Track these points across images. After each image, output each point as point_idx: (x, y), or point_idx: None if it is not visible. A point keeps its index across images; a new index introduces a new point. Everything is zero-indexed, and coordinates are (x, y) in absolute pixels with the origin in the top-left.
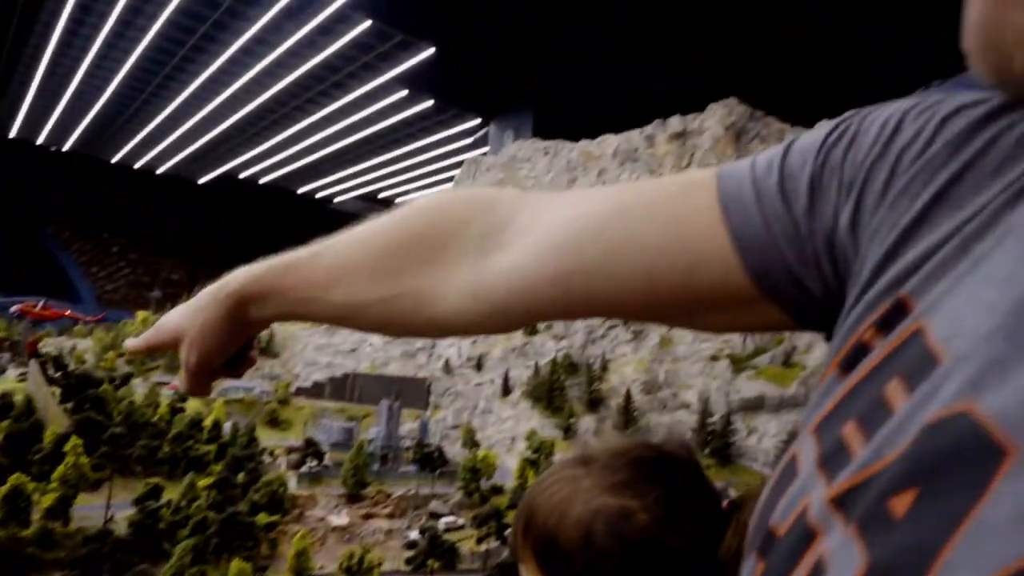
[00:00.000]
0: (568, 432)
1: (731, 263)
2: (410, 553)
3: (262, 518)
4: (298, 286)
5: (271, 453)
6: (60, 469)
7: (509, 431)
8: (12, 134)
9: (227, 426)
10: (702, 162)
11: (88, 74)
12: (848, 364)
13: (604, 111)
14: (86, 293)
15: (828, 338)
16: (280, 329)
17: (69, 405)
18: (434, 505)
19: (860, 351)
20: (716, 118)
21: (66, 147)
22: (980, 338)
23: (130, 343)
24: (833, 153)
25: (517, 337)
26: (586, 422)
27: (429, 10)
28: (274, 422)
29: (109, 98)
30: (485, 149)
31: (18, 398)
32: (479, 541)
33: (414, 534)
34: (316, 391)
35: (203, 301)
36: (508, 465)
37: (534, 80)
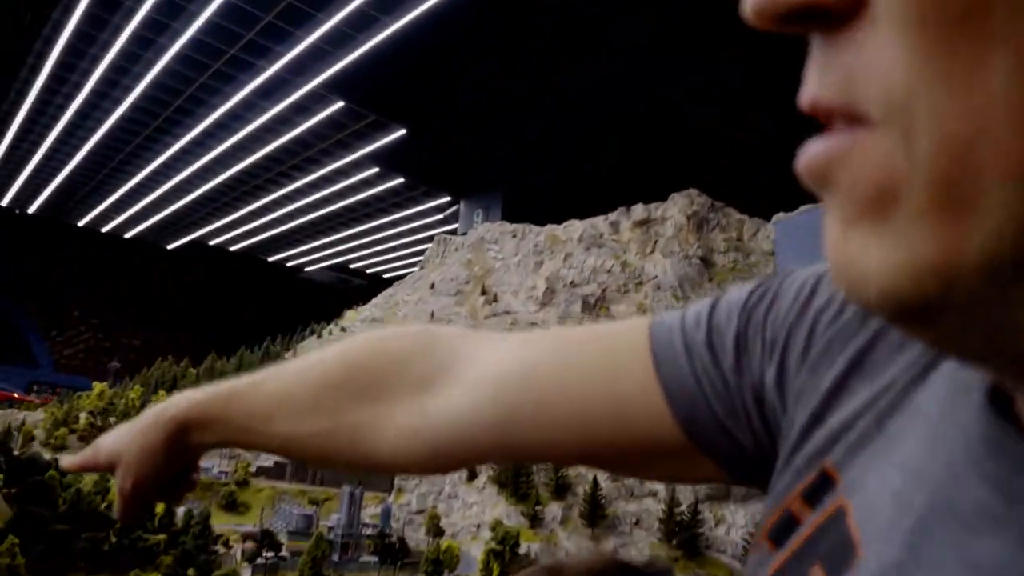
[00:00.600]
0: (535, 520)
1: (662, 414)
2: None
3: None
4: (240, 415)
5: (226, 543)
6: None
7: (475, 518)
8: None
9: (181, 511)
10: (665, 249)
11: (59, 140)
12: (778, 536)
13: (570, 197)
14: (43, 358)
15: (764, 491)
16: None
17: (13, 490)
18: None
19: (789, 523)
20: (678, 207)
21: (31, 209)
22: (886, 535)
23: (66, 462)
24: (756, 311)
25: None
26: (552, 510)
27: (401, 93)
28: (231, 505)
29: (79, 163)
30: (455, 226)
31: None
32: None
33: None
34: (278, 472)
35: (144, 424)
36: (473, 554)
37: (502, 164)
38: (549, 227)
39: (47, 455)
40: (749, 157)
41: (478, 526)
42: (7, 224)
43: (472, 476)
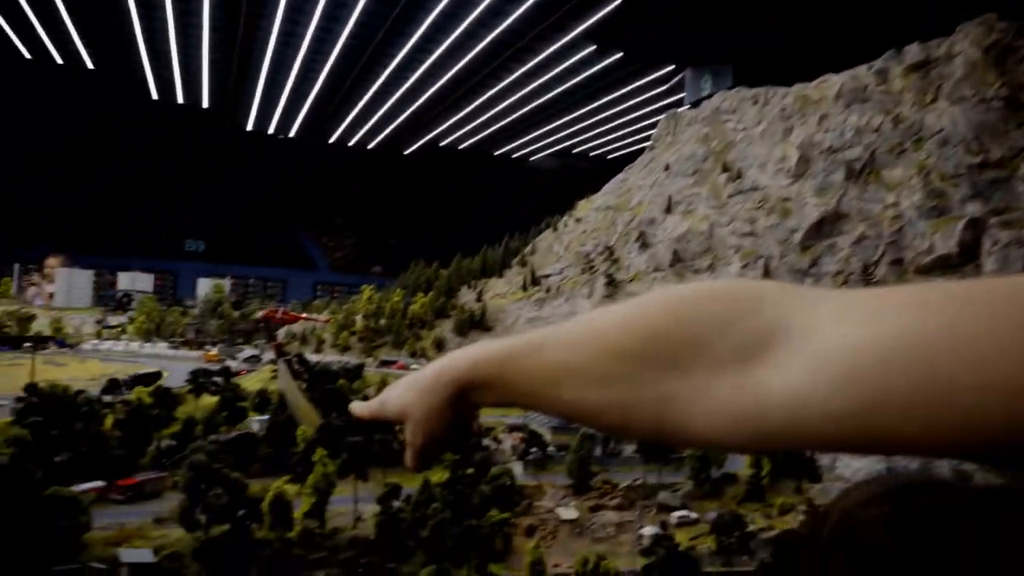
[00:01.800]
0: None
1: None
2: (646, 560)
3: (494, 515)
4: (521, 379)
5: (496, 438)
6: (311, 478)
7: None
8: (248, 127)
9: None
10: (952, 94)
11: (303, 67)
12: None
13: (819, 48)
14: (320, 262)
15: None
16: (491, 303)
17: (314, 396)
18: (663, 496)
19: None
20: (970, 39)
21: (291, 133)
22: None
23: (357, 408)
24: None
25: None
26: None
27: None
28: None
29: (323, 84)
30: (681, 96)
31: (263, 388)
32: (719, 552)
33: (648, 530)
34: None
35: (427, 384)
36: None
37: (734, 23)
38: (798, 86)
39: (335, 355)
40: None
41: None
42: (274, 149)
43: None
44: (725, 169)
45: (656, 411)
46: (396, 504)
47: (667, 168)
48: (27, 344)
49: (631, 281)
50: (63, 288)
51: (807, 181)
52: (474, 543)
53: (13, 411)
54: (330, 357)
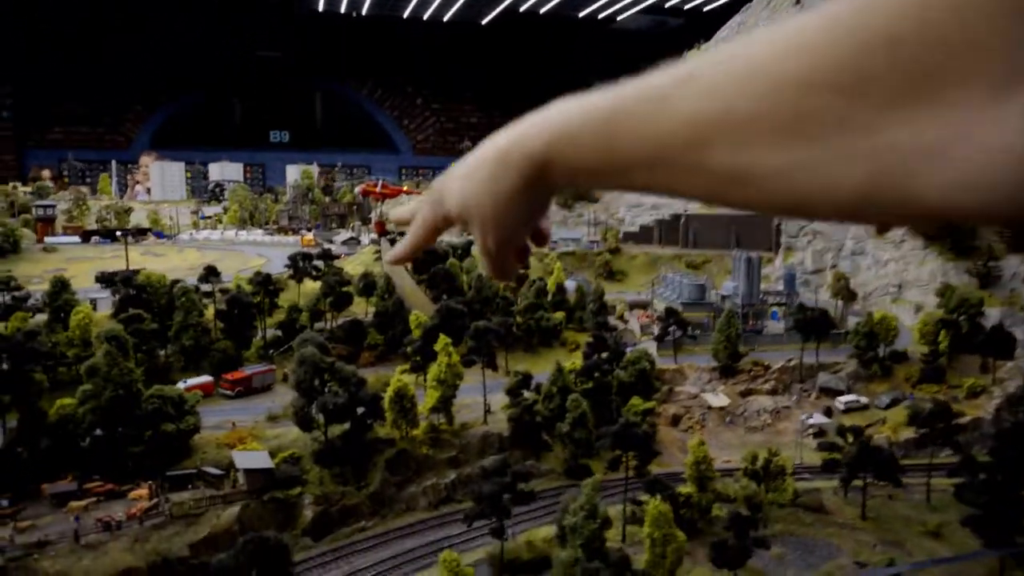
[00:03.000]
0: (986, 279)
1: None
2: (827, 455)
3: (636, 403)
4: (638, 147)
5: (622, 317)
6: (434, 370)
7: (892, 277)
8: (320, 7)
9: (568, 285)
10: None
11: None
12: None
13: None
14: (403, 145)
15: None
16: None
17: (422, 278)
18: (824, 379)
19: None
20: None
21: (364, 11)
22: None
23: (398, 212)
24: None
25: None
26: (1012, 265)
27: None
28: (608, 274)
29: None
30: None
31: (367, 271)
32: (922, 445)
33: (815, 418)
34: (644, 236)
35: (491, 168)
36: (900, 321)
37: None
38: None
39: None
40: None
41: (899, 286)
42: (349, 27)
43: (884, 228)
44: None
45: (873, 168)
46: (527, 395)
47: (798, 1)
48: (126, 236)
49: None
50: (158, 182)
51: None
52: (626, 440)
53: (113, 304)
54: None
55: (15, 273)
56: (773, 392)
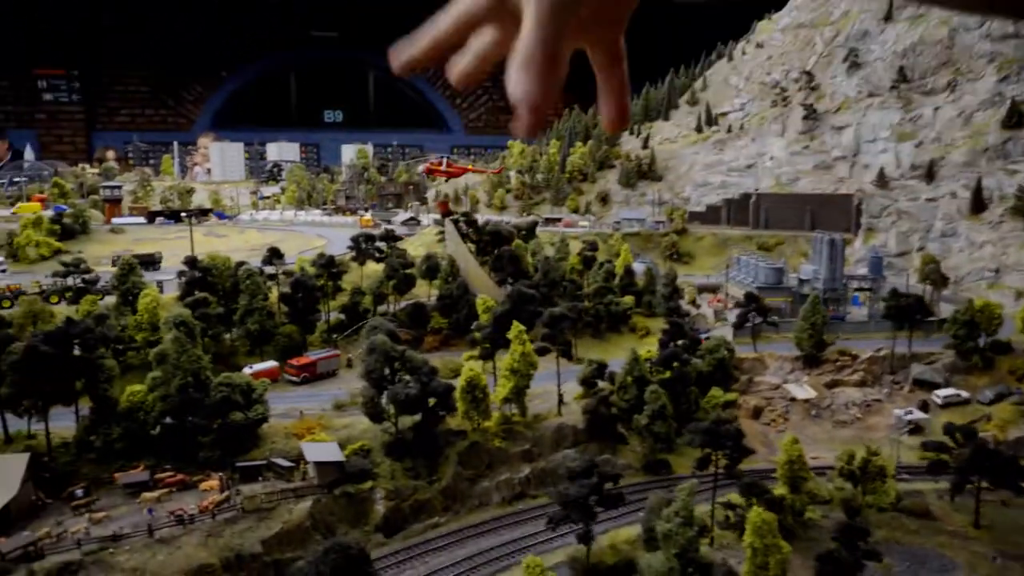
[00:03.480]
0: None
1: None
2: (932, 455)
3: (716, 394)
4: None
5: (693, 302)
6: (508, 360)
7: (989, 260)
8: None
9: (636, 268)
10: None
11: None
12: None
13: None
14: (455, 124)
15: None
16: (660, 148)
17: (486, 259)
18: (917, 370)
19: None
20: None
21: None
22: None
23: (404, 57)
24: None
25: (991, 133)
26: None
27: None
28: (674, 256)
29: None
30: None
31: (429, 252)
32: None
33: (911, 414)
34: (711, 216)
35: None
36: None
37: None
38: None
39: (492, 215)
40: None
41: (996, 270)
42: (401, 4)
43: (979, 207)
44: None
45: None
46: (601, 384)
47: None
48: (191, 217)
49: (837, 111)
50: (218, 162)
51: None
52: (717, 438)
53: (179, 286)
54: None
55: (85, 254)
56: (862, 384)
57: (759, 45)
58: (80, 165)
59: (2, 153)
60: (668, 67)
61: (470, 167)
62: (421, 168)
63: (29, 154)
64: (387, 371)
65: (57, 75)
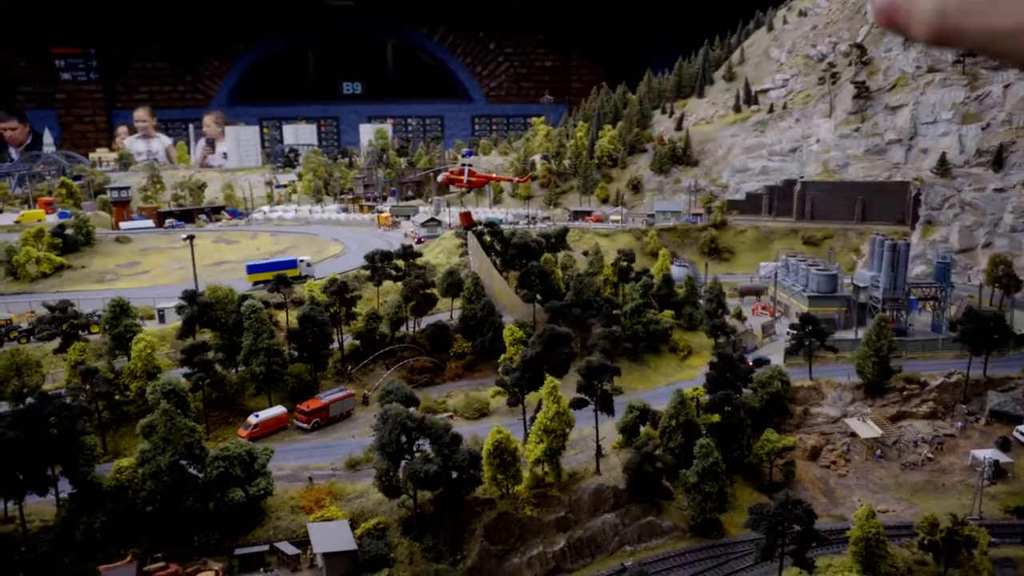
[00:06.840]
0: None
1: None
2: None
3: (771, 437)
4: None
5: (739, 315)
6: (540, 419)
7: None
8: None
9: (676, 274)
10: None
11: None
12: None
13: None
14: (475, 93)
15: None
16: (695, 130)
17: (511, 273)
18: (994, 400)
19: None
20: None
21: None
22: None
23: None
24: None
25: None
26: None
27: None
28: (713, 251)
29: None
30: None
31: (451, 268)
32: None
33: (988, 453)
34: (751, 205)
35: None
36: None
37: None
38: None
39: (516, 208)
40: None
41: None
42: None
43: None
44: None
45: None
46: (643, 431)
47: None
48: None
49: (892, 89)
50: (234, 148)
51: None
52: (783, 524)
53: (180, 318)
54: (501, 211)
55: (89, 268)
56: (931, 415)
57: (802, 13)
58: (98, 154)
59: (23, 136)
60: (702, 38)
61: (493, 175)
62: (440, 178)
63: (48, 139)
64: (404, 439)
65: (74, 54)
